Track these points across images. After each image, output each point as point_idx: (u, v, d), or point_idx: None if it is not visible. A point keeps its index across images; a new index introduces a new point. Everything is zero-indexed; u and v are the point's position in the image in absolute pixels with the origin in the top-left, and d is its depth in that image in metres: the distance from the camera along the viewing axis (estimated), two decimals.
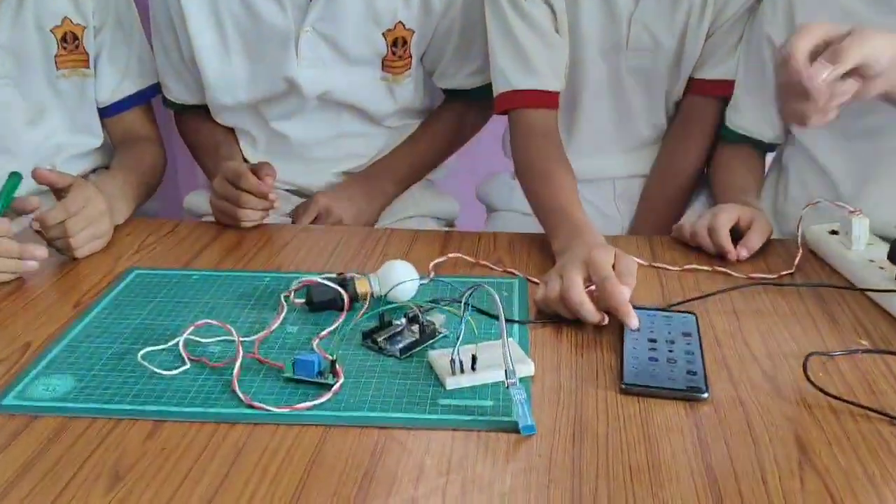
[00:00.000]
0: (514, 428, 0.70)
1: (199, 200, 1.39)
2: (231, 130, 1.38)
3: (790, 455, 0.68)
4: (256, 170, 1.16)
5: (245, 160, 1.35)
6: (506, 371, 0.71)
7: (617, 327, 0.86)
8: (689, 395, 0.75)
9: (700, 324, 0.87)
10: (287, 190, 1.36)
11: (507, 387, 0.71)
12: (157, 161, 1.34)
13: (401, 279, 0.89)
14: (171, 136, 1.48)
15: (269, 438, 0.70)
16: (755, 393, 0.76)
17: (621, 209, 1.35)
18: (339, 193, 1.29)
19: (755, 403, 0.75)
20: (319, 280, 0.89)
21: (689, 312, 0.89)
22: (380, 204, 1.34)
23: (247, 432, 0.71)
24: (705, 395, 0.75)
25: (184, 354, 0.81)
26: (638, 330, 0.84)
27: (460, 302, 0.77)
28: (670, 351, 0.81)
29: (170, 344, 0.83)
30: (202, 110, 1.38)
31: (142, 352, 0.81)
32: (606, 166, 1.34)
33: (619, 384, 0.76)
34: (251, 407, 0.73)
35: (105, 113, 1.34)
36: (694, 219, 1.07)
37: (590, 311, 0.85)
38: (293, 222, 1.27)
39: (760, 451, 0.68)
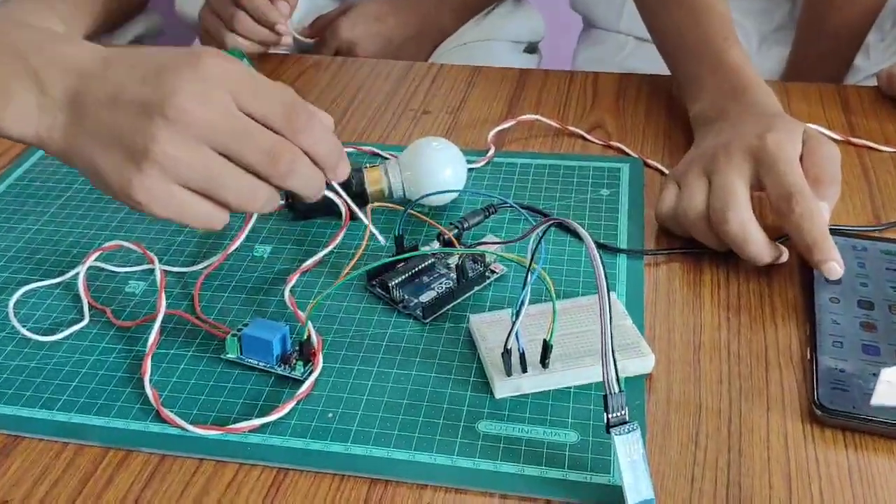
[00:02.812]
0: (615, 501, 0.38)
1: (195, 3, 1.04)
2: None
3: None
4: None
5: None
6: (606, 401, 0.38)
7: (797, 272, 0.51)
8: None
9: None
10: None
11: (608, 430, 0.38)
12: None
13: (435, 175, 0.55)
14: None
15: (179, 489, 0.40)
16: None
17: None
18: (372, 27, 0.89)
19: None
20: None
21: None
22: (430, 44, 0.94)
23: (148, 470, 0.41)
24: None
25: (84, 298, 0.51)
26: (839, 282, 0.49)
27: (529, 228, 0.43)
28: None
29: (68, 276, 0.53)
30: None
31: (19, 293, 0.51)
32: None
33: (811, 404, 0.42)
34: (160, 418, 0.43)
35: None
36: None
37: (761, 249, 0.49)
38: (308, 38, 0.90)
39: None
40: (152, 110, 0.40)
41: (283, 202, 0.57)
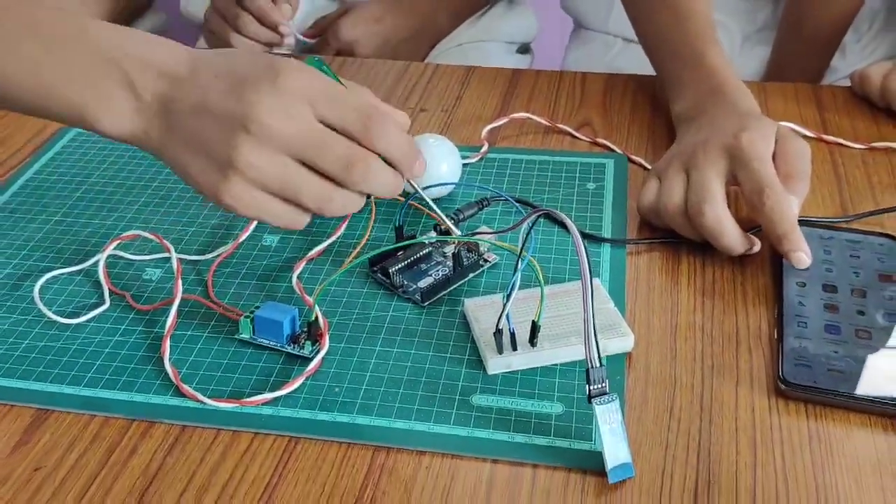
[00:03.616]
0: (596, 466, 0.42)
1: (200, 3, 1.07)
2: None
3: None
4: None
5: None
6: (587, 373, 0.42)
7: (768, 260, 0.55)
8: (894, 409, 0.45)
9: None
10: None
11: (590, 400, 0.42)
12: None
13: (433, 169, 0.58)
14: None
15: (198, 456, 0.44)
16: None
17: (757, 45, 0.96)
18: (372, 28, 0.93)
19: None
20: None
21: (887, 235, 0.56)
22: (427, 43, 0.98)
23: (169, 440, 0.45)
24: None
25: (105, 284, 0.54)
26: (807, 269, 0.53)
27: (519, 221, 0.47)
28: (860, 312, 0.50)
29: (88, 263, 0.56)
30: None
31: (43, 279, 0.55)
32: None
33: (776, 379, 0.46)
34: (180, 393, 0.47)
35: None
36: (886, 67, 0.71)
37: (734, 241, 0.53)
38: (310, 38, 0.94)
39: None
40: (235, 123, 0.43)
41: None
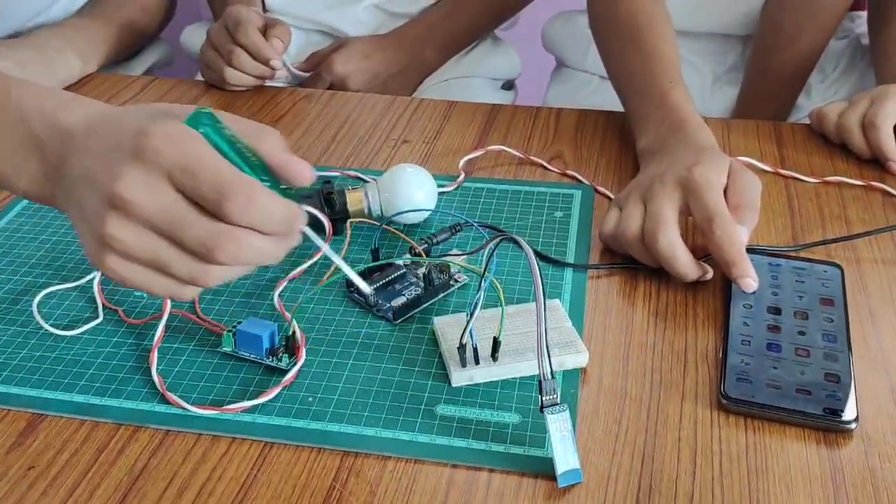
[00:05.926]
0: (547, 471, 0.46)
1: (198, 37, 1.12)
2: None
3: None
4: (268, 26, 0.89)
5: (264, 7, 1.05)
6: (540, 385, 0.46)
7: (720, 285, 0.59)
8: (827, 422, 0.48)
9: (847, 283, 0.58)
10: (305, 29, 1.07)
11: (542, 410, 0.46)
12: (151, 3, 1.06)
13: (409, 197, 0.63)
14: None
15: (180, 458, 0.47)
16: None
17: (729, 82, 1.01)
18: (362, 63, 0.98)
19: None
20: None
21: (832, 263, 0.60)
22: (416, 78, 1.03)
23: (154, 443, 0.48)
24: (853, 425, 0.48)
25: (99, 299, 0.58)
26: (754, 293, 0.57)
27: (484, 246, 0.51)
28: (801, 333, 0.54)
29: (83, 280, 0.60)
30: None
31: (41, 294, 0.59)
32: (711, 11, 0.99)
33: (718, 393, 0.50)
34: (165, 400, 0.51)
35: None
36: (842, 106, 0.75)
37: (686, 267, 0.57)
38: (305, 71, 0.99)
39: None
40: (104, 197, 0.41)
41: None
